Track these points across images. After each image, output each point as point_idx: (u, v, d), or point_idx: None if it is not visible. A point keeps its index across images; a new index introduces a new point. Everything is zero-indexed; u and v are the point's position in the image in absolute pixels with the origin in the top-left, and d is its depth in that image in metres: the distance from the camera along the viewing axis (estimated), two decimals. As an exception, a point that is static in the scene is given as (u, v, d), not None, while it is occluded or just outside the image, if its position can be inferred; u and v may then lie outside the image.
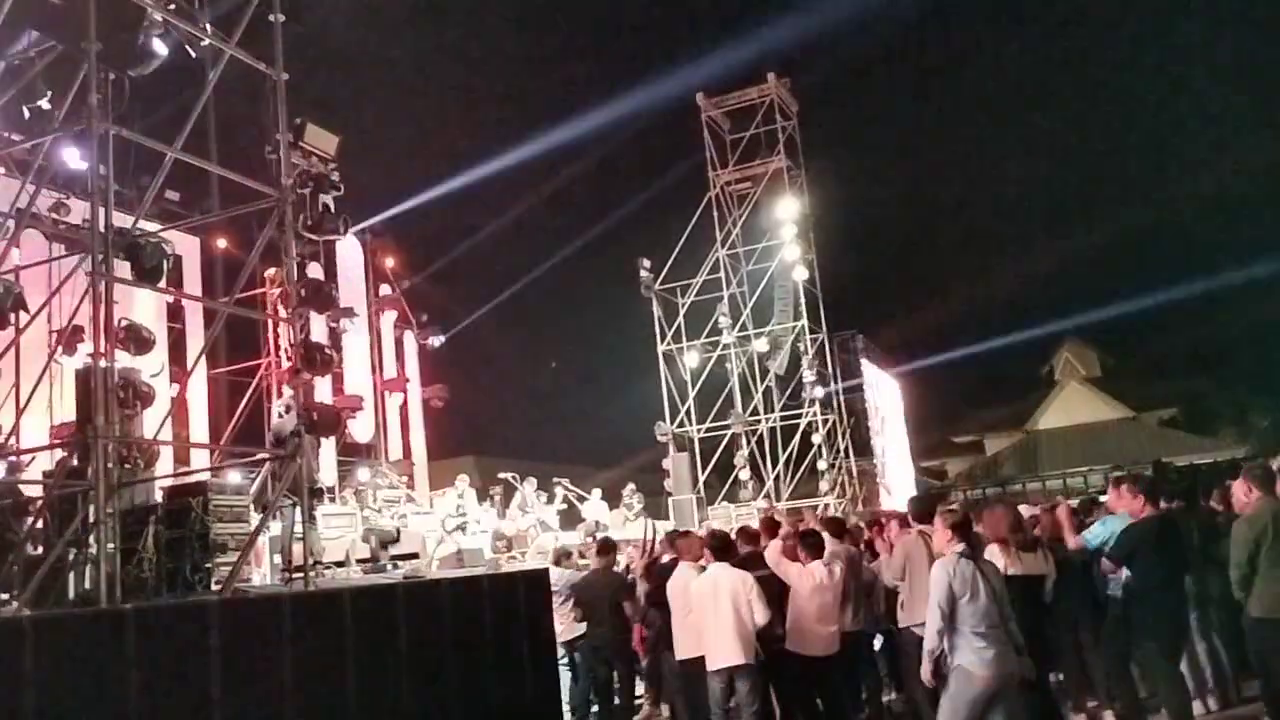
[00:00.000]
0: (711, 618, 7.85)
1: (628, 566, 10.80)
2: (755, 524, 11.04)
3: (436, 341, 22.11)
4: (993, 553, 7.33)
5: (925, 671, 6.45)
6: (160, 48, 9.13)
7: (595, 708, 10.06)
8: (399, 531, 14.30)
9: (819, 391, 27.15)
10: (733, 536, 9.10)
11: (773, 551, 8.36)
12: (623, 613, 9.69)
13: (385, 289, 21.20)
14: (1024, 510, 10.58)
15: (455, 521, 15.41)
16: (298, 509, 9.85)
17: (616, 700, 9.96)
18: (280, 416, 10.90)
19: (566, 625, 10.16)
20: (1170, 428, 42.81)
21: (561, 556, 11.18)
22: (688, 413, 27.01)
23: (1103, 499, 10.17)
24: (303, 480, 9.26)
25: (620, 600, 9.68)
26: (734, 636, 7.76)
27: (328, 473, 16.90)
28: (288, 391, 11.33)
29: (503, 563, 14.61)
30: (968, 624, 6.20)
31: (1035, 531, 9.47)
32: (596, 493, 18.99)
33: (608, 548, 10.27)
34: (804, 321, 27.37)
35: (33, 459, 10.72)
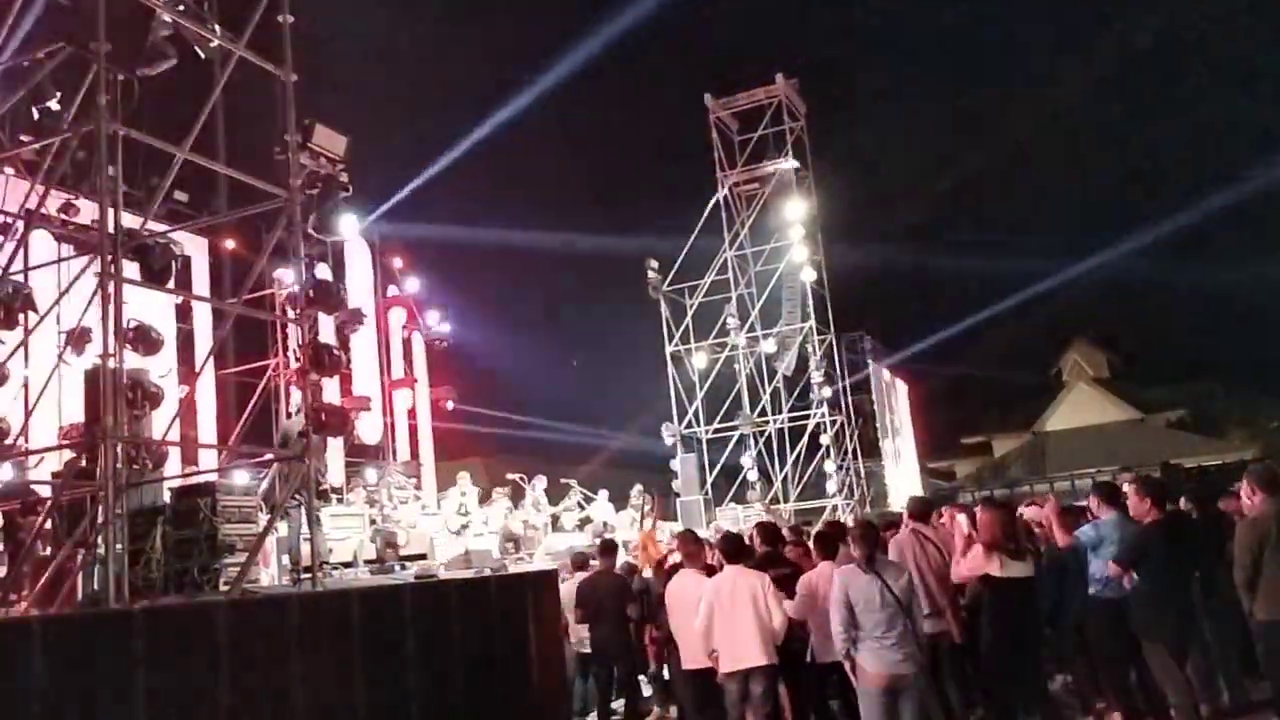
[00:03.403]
0: (729, 620, 7.78)
1: (633, 568, 10.80)
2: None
3: (444, 342, 22.15)
4: (976, 554, 7.45)
5: (849, 670, 7.00)
6: (169, 49, 9.16)
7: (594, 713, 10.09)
8: (399, 535, 14.31)
9: (827, 392, 27.15)
10: (746, 539, 9.10)
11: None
12: (625, 615, 9.68)
13: (393, 290, 21.23)
14: (1030, 513, 10.58)
15: (459, 522, 15.42)
16: (304, 510, 9.88)
17: (620, 702, 9.96)
18: (289, 418, 10.93)
19: (583, 636, 10.12)
20: (1179, 429, 42.69)
21: (581, 563, 11.10)
22: (695, 414, 27.01)
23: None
24: (310, 481, 9.27)
25: (624, 603, 9.67)
26: (753, 638, 7.67)
27: (335, 474, 16.94)
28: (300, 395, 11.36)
29: (509, 564, 14.62)
30: (866, 629, 6.77)
31: (1039, 530, 9.52)
32: (603, 494, 19.00)
33: (610, 549, 10.25)
34: (812, 322, 27.38)
35: (41, 459, 10.75)
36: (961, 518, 8.25)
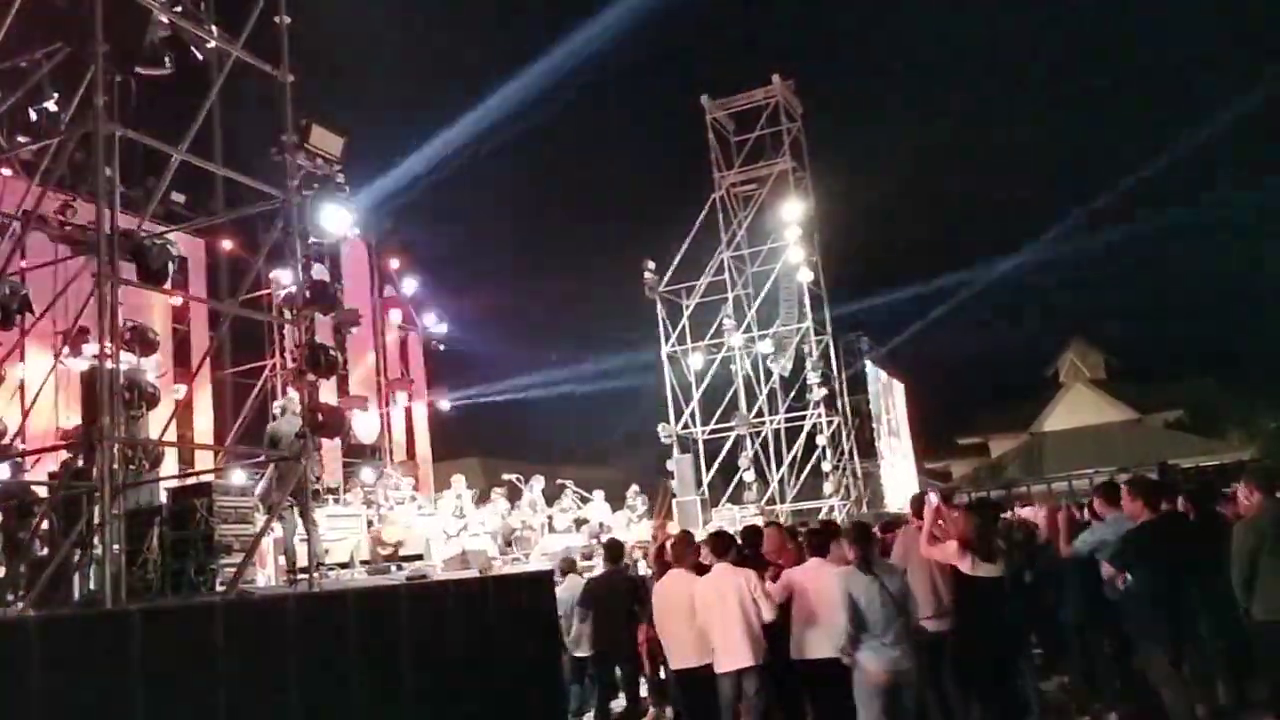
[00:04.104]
0: (719, 619, 7.77)
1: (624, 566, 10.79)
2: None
3: (441, 343, 22.16)
4: (950, 547, 7.63)
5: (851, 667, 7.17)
6: (166, 50, 9.16)
7: (590, 713, 10.08)
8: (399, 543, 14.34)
9: (823, 393, 27.15)
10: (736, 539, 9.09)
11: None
12: (631, 616, 9.65)
13: (390, 290, 21.24)
14: (1028, 513, 10.60)
15: (458, 524, 15.40)
16: (296, 511, 9.88)
17: (621, 700, 9.95)
18: (275, 419, 10.92)
19: (585, 638, 10.09)
20: (1176, 430, 42.66)
21: (569, 566, 11.08)
22: (692, 414, 27.02)
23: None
24: (307, 482, 9.27)
25: (632, 603, 9.64)
26: (742, 637, 7.68)
27: (332, 474, 16.94)
28: (292, 394, 11.35)
29: (504, 564, 14.62)
30: (866, 628, 6.99)
31: (1042, 528, 9.54)
32: (599, 494, 18.98)
33: (616, 550, 10.20)
34: (808, 323, 27.38)
35: (38, 460, 10.75)
36: (932, 496, 8.33)
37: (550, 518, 18.06)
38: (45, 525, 8.87)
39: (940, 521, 7.92)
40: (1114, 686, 8.41)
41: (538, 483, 17.95)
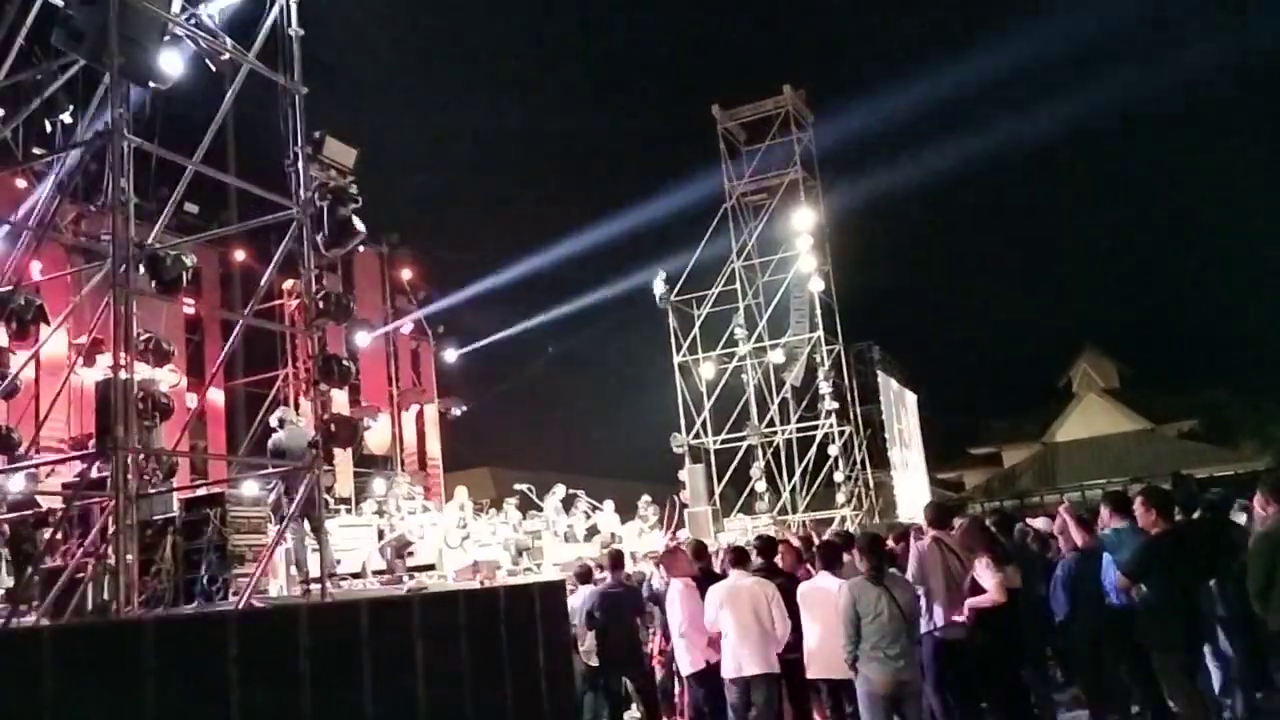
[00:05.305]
0: (734, 626, 7.84)
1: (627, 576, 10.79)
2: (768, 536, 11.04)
3: (452, 352, 22.22)
4: (981, 566, 7.65)
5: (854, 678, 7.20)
6: (180, 62, 9.21)
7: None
8: (409, 542, 14.32)
9: (835, 403, 27.09)
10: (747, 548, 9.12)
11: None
12: (636, 626, 9.66)
13: (402, 301, 21.31)
14: (1039, 524, 10.55)
15: (460, 535, 15.39)
16: (306, 521, 9.90)
17: (634, 711, 9.94)
18: (275, 429, 10.94)
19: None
20: (1190, 439, 42.47)
21: (585, 575, 11.06)
22: (704, 424, 26.97)
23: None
24: (318, 493, 9.28)
25: (636, 613, 9.66)
26: (757, 644, 7.77)
27: (344, 484, 16.96)
28: (304, 406, 11.38)
29: (503, 574, 14.60)
30: (870, 640, 7.01)
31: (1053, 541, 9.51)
32: (609, 504, 18.96)
33: (618, 561, 10.22)
34: (820, 332, 27.34)
35: (52, 470, 10.78)
36: None
37: (570, 527, 18.05)
38: (59, 535, 8.91)
39: None
40: (1127, 698, 8.37)
41: (559, 490, 17.90)
